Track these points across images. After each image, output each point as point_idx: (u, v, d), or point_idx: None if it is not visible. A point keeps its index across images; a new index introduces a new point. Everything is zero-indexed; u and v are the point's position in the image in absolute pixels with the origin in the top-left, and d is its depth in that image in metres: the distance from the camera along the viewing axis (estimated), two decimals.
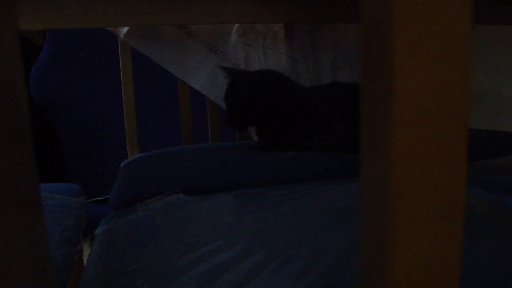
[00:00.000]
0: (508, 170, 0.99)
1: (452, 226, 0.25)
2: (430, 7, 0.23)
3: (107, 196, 1.80)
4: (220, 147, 1.32)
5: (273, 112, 1.20)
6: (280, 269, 0.53)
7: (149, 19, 1.33)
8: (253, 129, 1.35)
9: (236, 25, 1.49)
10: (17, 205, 0.26)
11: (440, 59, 0.23)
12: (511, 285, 0.50)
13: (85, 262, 1.05)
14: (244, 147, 1.29)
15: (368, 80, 0.26)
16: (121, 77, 1.39)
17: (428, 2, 0.23)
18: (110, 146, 1.88)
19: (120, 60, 1.39)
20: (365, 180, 0.27)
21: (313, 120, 1.21)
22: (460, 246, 0.26)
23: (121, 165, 1.25)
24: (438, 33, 0.23)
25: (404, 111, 0.23)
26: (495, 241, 0.60)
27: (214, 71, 1.46)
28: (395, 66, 0.23)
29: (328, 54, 1.61)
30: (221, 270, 0.53)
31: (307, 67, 1.57)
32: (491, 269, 0.52)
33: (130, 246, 0.66)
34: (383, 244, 0.25)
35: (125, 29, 1.38)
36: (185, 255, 0.58)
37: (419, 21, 0.23)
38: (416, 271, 0.25)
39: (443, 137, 0.24)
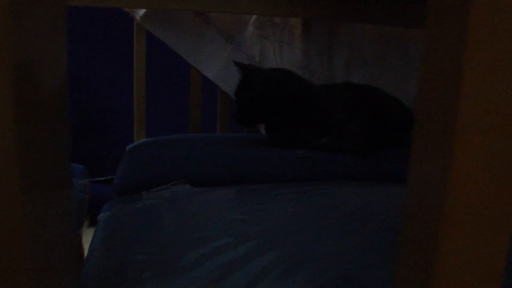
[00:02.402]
0: None
1: (500, 234, 0.25)
2: (505, 27, 0.21)
3: (109, 177, 1.80)
4: (228, 138, 1.30)
5: (284, 110, 1.18)
6: (289, 273, 0.52)
7: (167, 3, 1.31)
8: (263, 125, 1.34)
9: (254, 16, 1.47)
10: (52, 185, 0.26)
11: (510, 79, 0.22)
12: None
13: (84, 245, 1.04)
14: (253, 140, 1.27)
15: (430, 89, 0.24)
16: (134, 59, 1.37)
17: (504, 23, 0.21)
18: (117, 127, 1.86)
19: (134, 42, 1.37)
20: (414, 187, 0.26)
21: (324, 120, 1.19)
22: (505, 254, 0.25)
23: (127, 148, 1.24)
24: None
25: (468, 125, 0.23)
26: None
27: (228, 61, 1.44)
28: (463, 83, 0.21)
29: (344, 53, 1.59)
30: (229, 269, 0.52)
31: (321, 65, 1.55)
32: None
33: (135, 236, 0.64)
34: (429, 248, 0.25)
35: (142, 11, 1.36)
36: (192, 250, 0.56)
37: (493, 40, 0.21)
38: (460, 277, 0.25)
39: (504, 154, 0.24)
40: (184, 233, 0.63)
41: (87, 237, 0.76)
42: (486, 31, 0.22)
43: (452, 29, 0.23)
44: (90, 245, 0.66)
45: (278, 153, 1.09)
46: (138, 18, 1.37)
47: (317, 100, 1.22)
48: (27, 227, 0.23)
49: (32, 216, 0.24)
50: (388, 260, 0.56)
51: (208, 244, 0.58)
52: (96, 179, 1.87)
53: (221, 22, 1.43)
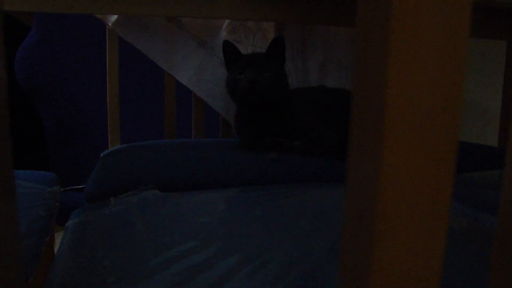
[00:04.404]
0: (489, 185, 0.99)
1: (435, 236, 0.25)
2: (428, 20, 0.22)
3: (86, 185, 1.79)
4: (201, 143, 1.30)
5: (257, 111, 1.18)
6: (254, 274, 0.52)
7: (139, 9, 1.31)
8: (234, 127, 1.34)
9: (227, 21, 1.47)
10: None
11: (435, 72, 0.23)
12: None
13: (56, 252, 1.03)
14: (226, 144, 1.27)
15: (360, 87, 0.25)
16: (107, 65, 1.36)
17: (426, 15, 0.22)
18: (93, 134, 1.85)
19: (106, 48, 1.37)
20: (351, 185, 0.27)
21: (297, 123, 1.20)
22: (442, 257, 0.26)
23: (101, 155, 1.23)
24: (435, 46, 0.22)
25: (395, 120, 0.23)
26: (466, 258, 0.59)
27: (201, 66, 1.45)
28: (389, 76, 0.22)
29: (318, 56, 1.60)
30: (194, 272, 0.52)
31: (295, 68, 1.56)
32: (463, 285, 0.52)
33: (102, 242, 0.64)
34: (365, 250, 0.25)
35: (113, 17, 1.35)
36: (158, 254, 0.56)
37: (416, 32, 0.22)
38: (397, 279, 0.25)
39: (433, 148, 0.24)
40: (151, 238, 0.63)
41: None
42: (408, 27, 0.22)
43: (377, 27, 0.23)
44: (57, 252, 0.66)
45: (250, 156, 1.10)
46: (110, 24, 1.36)
47: (290, 103, 1.23)
48: None
49: None
50: None
51: (174, 248, 0.58)
52: (73, 187, 1.85)
53: (193, 27, 1.44)
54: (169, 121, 1.45)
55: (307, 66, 1.59)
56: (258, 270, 0.53)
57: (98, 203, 0.82)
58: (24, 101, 1.78)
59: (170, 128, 1.45)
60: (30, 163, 1.25)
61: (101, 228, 0.70)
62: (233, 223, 0.69)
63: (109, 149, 1.30)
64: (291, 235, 0.65)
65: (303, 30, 1.57)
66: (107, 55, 1.36)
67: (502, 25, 1.56)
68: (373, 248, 0.25)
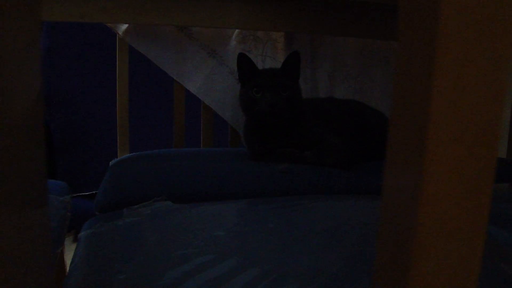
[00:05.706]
0: (498, 198, 0.99)
1: (474, 243, 0.25)
2: (472, 49, 0.22)
3: (93, 192, 1.79)
4: (211, 152, 1.29)
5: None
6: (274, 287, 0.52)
7: (149, 18, 1.31)
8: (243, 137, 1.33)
9: (236, 30, 1.47)
10: (27, 203, 0.25)
11: (478, 89, 0.23)
12: None
13: (66, 260, 1.02)
14: (235, 154, 1.27)
15: (401, 102, 0.25)
16: (117, 74, 1.37)
17: (473, 35, 0.22)
18: (100, 141, 1.85)
19: (116, 56, 1.37)
20: (389, 198, 0.27)
21: (307, 133, 1.20)
22: (478, 271, 0.26)
23: (110, 164, 1.23)
24: (479, 65, 0.22)
25: (438, 136, 0.23)
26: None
27: (211, 75, 1.45)
28: (433, 96, 0.22)
29: (326, 66, 1.60)
30: (212, 286, 0.52)
31: (304, 78, 1.56)
32: None
33: (116, 254, 0.63)
34: (404, 259, 0.25)
35: (124, 26, 1.36)
36: (174, 268, 0.56)
37: (461, 59, 0.22)
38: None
39: (473, 163, 0.24)
40: (166, 251, 0.62)
41: (72, 253, 0.74)
42: (455, 42, 0.22)
43: (422, 41, 0.23)
44: (71, 264, 0.65)
45: (260, 167, 1.09)
46: (120, 33, 1.36)
47: (301, 114, 1.23)
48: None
49: (4, 234, 0.23)
50: (370, 272, 0.57)
51: (190, 261, 0.58)
52: (80, 194, 1.85)
53: (203, 36, 1.44)
54: (178, 130, 1.45)
55: (316, 76, 1.59)
56: (277, 285, 0.52)
57: (111, 214, 0.82)
58: None
59: (179, 136, 1.45)
60: None
61: (115, 240, 0.69)
62: (246, 236, 0.68)
63: (118, 158, 1.30)
64: (305, 249, 0.65)
65: (312, 40, 1.57)
66: (117, 64, 1.37)
67: None
68: (413, 257, 0.25)
